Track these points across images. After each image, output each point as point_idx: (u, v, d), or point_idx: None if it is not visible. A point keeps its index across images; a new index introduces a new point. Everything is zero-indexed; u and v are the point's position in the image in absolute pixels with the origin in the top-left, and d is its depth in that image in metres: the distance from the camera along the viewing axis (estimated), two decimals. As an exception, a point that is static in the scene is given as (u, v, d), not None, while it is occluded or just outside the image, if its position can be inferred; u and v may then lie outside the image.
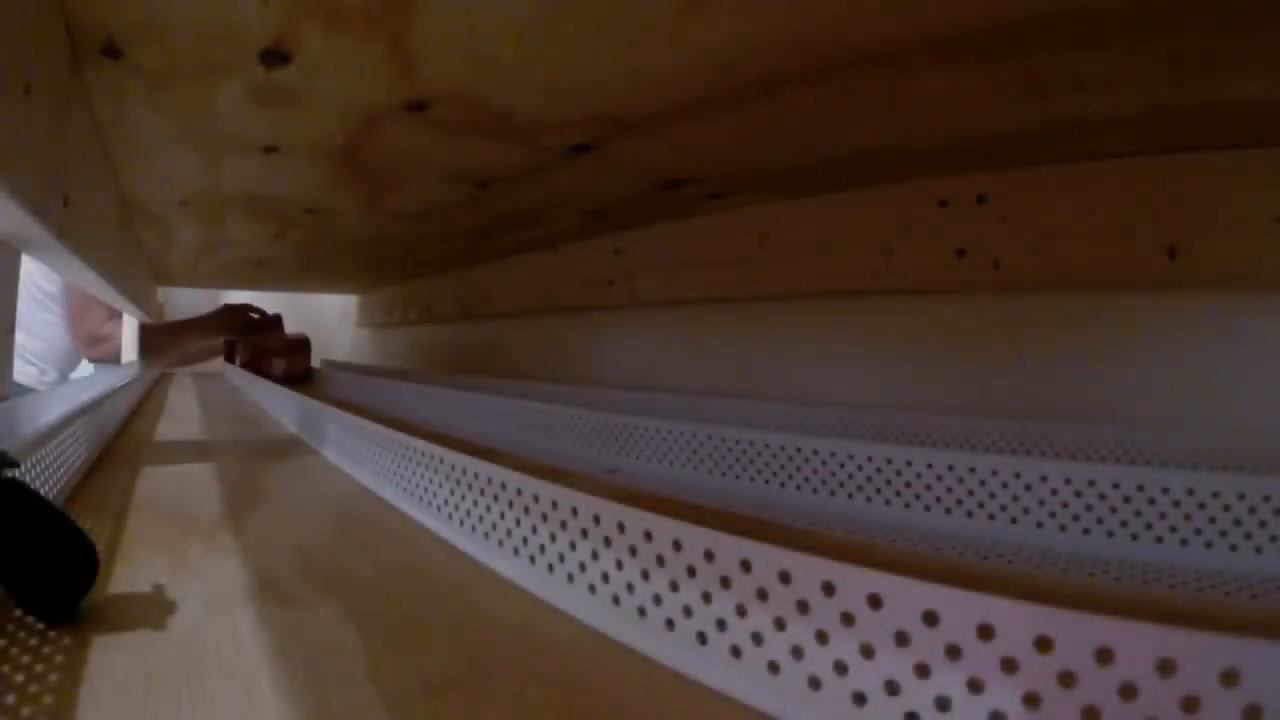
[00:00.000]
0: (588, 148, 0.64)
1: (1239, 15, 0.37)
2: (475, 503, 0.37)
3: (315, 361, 1.89)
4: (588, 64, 0.46)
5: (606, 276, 1.09)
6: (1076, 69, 0.44)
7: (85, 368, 1.95)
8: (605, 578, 0.28)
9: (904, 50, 0.43)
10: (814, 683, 0.21)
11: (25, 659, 0.23)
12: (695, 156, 0.67)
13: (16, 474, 0.33)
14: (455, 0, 0.38)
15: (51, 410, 0.59)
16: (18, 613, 0.27)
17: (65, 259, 0.51)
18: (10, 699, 0.21)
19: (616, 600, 0.27)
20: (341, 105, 0.54)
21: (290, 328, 2.19)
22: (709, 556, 0.23)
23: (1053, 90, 0.47)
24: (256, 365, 1.61)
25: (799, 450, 0.47)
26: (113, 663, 0.24)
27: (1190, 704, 0.16)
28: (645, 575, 0.26)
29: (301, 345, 1.74)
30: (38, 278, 1.71)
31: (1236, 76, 0.43)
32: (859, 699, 0.20)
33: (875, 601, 0.19)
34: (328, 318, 2.62)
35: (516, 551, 0.33)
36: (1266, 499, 0.34)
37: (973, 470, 0.40)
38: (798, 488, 0.47)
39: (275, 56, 0.45)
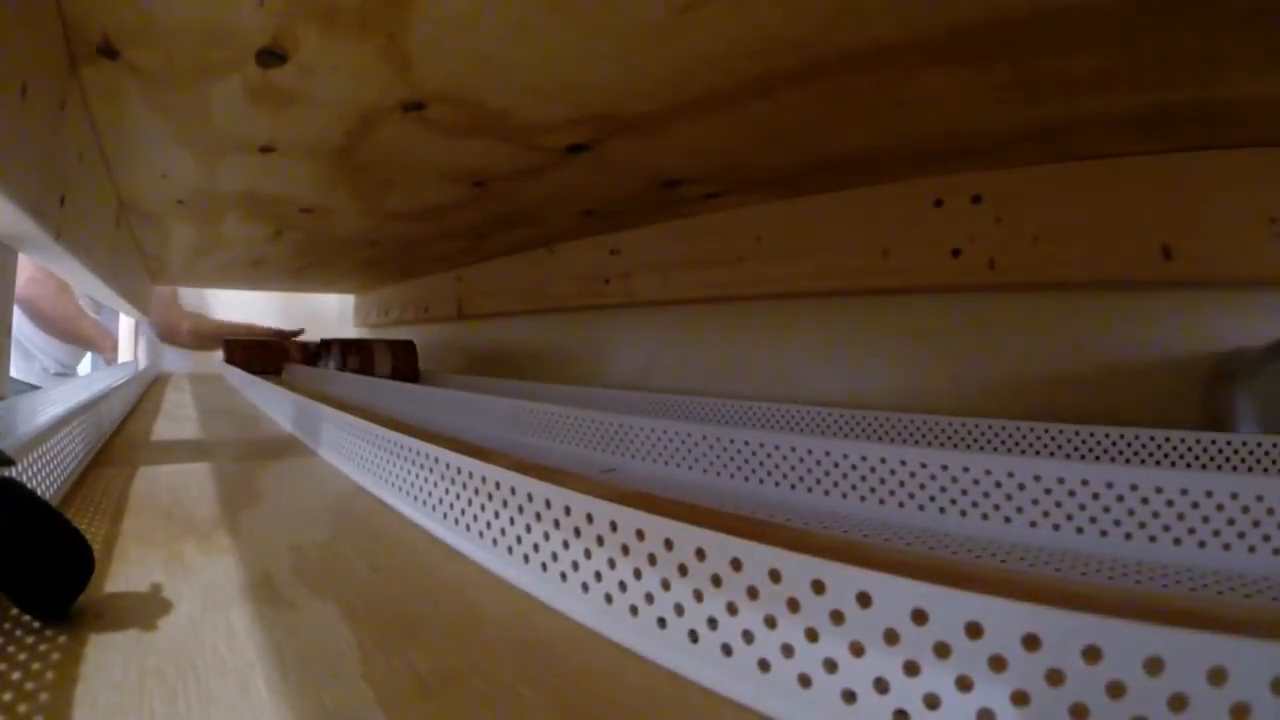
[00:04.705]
0: (584, 147, 0.64)
1: (1234, 15, 0.37)
2: (470, 502, 0.37)
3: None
4: (584, 64, 0.46)
5: (603, 276, 1.09)
6: (1071, 69, 0.44)
7: (85, 365, 1.96)
8: (598, 576, 0.28)
9: (899, 50, 0.43)
10: (804, 680, 0.21)
11: (22, 657, 0.24)
12: (692, 156, 0.67)
13: (12, 473, 0.33)
14: (452, 0, 0.38)
15: (48, 409, 0.59)
16: (14, 611, 0.27)
17: (61, 258, 0.51)
18: (7, 696, 0.21)
19: (609, 599, 0.27)
20: (338, 105, 0.54)
21: (288, 328, 2.22)
22: (700, 555, 0.24)
23: (1048, 90, 0.47)
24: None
25: (794, 450, 0.47)
26: (108, 661, 0.24)
27: (1178, 702, 0.16)
28: (637, 574, 0.26)
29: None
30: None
31: (1232, 77, 0.43)
32: (849, 697, 0.20)
33: (865, 600, 0.20)
34: (326, 317, 2.62)
35: (510, 550, 0.33)
36: (1259, 498, 0.34)
37: (966, 469, 0.40)
38: (792, 487, 0.47)
39: (272, 56, 0.45)
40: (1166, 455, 0.52)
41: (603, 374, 1.20)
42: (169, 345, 2.27)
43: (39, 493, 0.36)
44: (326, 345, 1.55)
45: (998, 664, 0.18)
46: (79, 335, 1.82)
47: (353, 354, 1.47)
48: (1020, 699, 0.17)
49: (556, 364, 1.35)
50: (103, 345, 1.88)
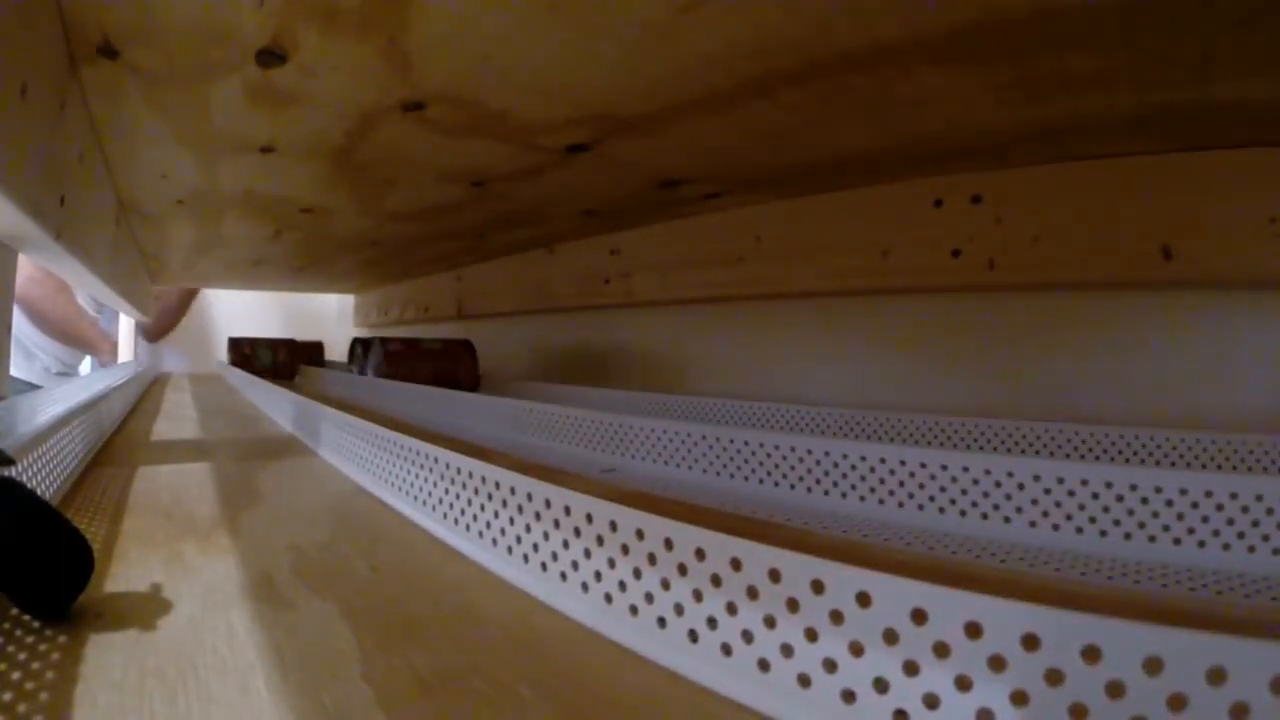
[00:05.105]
0: (584, 147, 0.64)
1: (1233, 16, 0.37)
2: (470, 501, 0.37)
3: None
4: (584, 64, 0.46)
5: (603, 276, 1.09)
6: (1071, 69, 0.44)
7: (86, 364, 1.96)
8: (598, 576, 0.28)
9: (899, 50, 0.43)
10: (804, 680, 0.21)
11: (21, 656, 0.24)
12: (691, 156, 0.67)
13: (12, 473, 0.33)
14: (452, 0, 0.38)
15: (48, 409, 0.59)
16: (14, 611, 0.27)
17: (61, 258, 0.51)
18: (7, 696, 0.21)
19: (609, 598, 0.27)
20: (338, 105, 0.54)
21: (287, 328, 2.21)
22: (700, 555, 0.24)
23: (1047, 90, 0.47)
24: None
25: (793, 450, 0.47)
26: (108, 661, 0.24)
27: (1177, 702, 0.16)
28: (637, 573, 0.26)
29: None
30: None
31: (1231, 77, 0.43)
32: (848, 696, 0.20)
33: (864, 600, 0.20)
34: (325, 318, 2.62)
35: (510, 550, 0.33)
36: (1259, 498, 0.34)
37: (966, 469, 0.40)
38: (791, 487, 0.47)
39: (272, 56, 0.45)
40: (1166, 455, 0.52)
41: (602, 374, 1.20)
42: (162, 338, 2.28)
43: (39, 493, 0.36)
44: (364, 345, 1.27)
45: (997, 664, 0.18)
46: (77, 336, 1.82)
47: (397, 356, 1.16)
48: (1020, 699, 0.17)
49: (556, 364, 1.35)
50: (101, 347, 1.88)
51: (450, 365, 1.19)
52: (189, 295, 2.36)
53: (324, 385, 1.40)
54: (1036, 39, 0.41)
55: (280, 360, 1.78)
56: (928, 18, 0.39)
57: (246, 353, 1.74)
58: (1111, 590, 0.32)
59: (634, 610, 0.26)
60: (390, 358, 1.16)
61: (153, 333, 2.23)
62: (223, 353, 1.87)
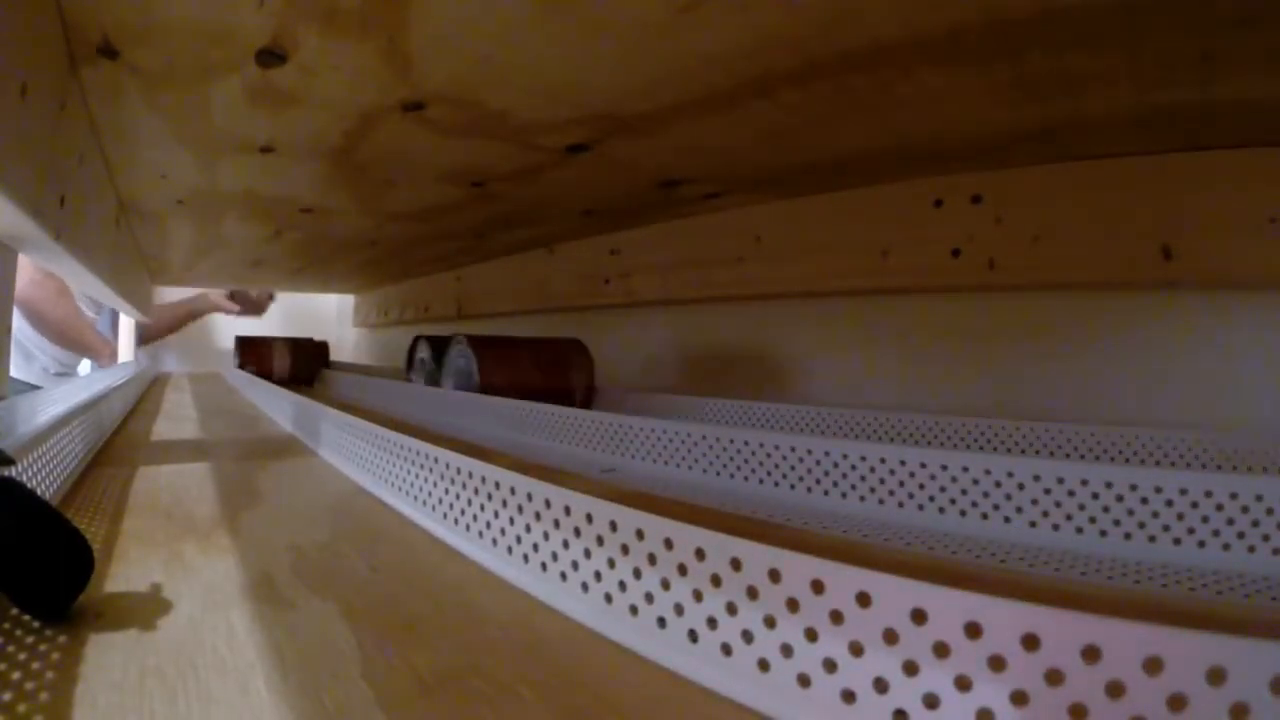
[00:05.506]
0: (584, 147, 0.64)
1: (1233, 16, 0.37)
2: (470, 501, 0.37)
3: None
4: (584, 64, 0.46)
5: (603, 276, 1.09)
6: (1071, 69, 0.44)
7: (85, 365, 1.96)
8: (598, 576, 0.28)
9: (899, 50, 0.43)
10: (804, 680, 0.21)
11: (21, 656, 0.24)
12: (691, 156, 0.67)
13: (12, 473, 0.33)
14: (452, 0, 0.38)
15: (48, 409, 0.59)
16: (14, 611, 0.27)
17: (61, 259, 0.51)
18: (7, 696, 0.21)
19: (609, 598, 0.27)
20: (338, 105, 0.54)
21: (286, 328, 2.19)
22: (700, 555, 0.24)
23: (1047, 90, 0.47)
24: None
25: (793, 450, 0.47)
26: (108, 661, 0.24)
27: (1177, 702, 0.16)
28: (637, 574, 0.26)
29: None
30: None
31: (1232, 77, 0.43)
32: (848, 696, 0.20)
33: (864, 600, 0.20)
34: (325, 318, 2.62)
35: (510, 550, 0.33)
36: (1259, 498, 0.34)
37: (966, 469, 0.40)
38: (791, 487, 0.47)
39: (271, 56, 0.45)
40: (1166, 455, 0.52)
41: (603, 374, 1.20)
42: (159, 339, 2.27)
43: (39, 493, 0.36)
44: (435, 345, 1.00)
45: (997, 664, 0.18)
46: (78, 340, 1.82)
47: (498, 361, 0.87)
48: (1019, 699, 0.17)
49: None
50: (100, 351, 1.88)
51: (563, 374, 0.91)
52: (186, 315, 2.33)
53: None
54: (1036, 39, 0.41)
55: (299, 362, 1.60)
56: (928, 18, 0.39)
57: (262, 354, 1.56)
58: (1111, 590, 0.32)
59: (634, 610, 0.26)
60: (489, 363, 0.86)
61: (144, 337, 2.23)
62: (225, 353, 1.82)
